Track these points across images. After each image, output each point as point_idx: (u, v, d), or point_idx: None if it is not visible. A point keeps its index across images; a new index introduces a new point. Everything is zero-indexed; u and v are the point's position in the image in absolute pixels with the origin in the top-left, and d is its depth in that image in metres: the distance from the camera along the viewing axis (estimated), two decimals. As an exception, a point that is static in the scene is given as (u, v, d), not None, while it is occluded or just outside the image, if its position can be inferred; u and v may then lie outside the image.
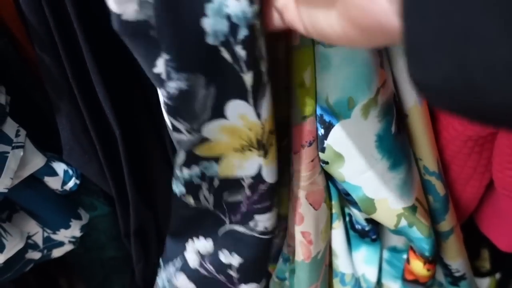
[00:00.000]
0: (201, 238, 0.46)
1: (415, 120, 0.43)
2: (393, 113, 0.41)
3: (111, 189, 0.53)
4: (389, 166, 0.42)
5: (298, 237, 0.48)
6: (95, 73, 0.42)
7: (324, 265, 0.55)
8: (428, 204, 0.48)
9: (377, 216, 0.46)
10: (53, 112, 0.47)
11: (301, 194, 0.45)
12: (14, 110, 0.46)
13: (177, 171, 0.39)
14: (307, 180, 0.44)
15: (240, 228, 0.44)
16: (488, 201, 0.57)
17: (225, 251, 0.46)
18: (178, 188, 0.41)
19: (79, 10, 0.39)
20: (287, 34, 0.37)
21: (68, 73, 0.43)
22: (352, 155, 0.41)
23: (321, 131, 0.40)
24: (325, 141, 0.40)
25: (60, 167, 0.51)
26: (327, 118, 0.39)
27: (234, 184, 0.40)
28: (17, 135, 0.45)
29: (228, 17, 0.28)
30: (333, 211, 0.50)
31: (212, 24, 0.29)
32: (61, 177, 0.51)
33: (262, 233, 0.44)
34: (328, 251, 0.55)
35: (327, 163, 0.43)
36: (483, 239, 0.60)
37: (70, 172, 0.51)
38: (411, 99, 0.42)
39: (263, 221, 0.43)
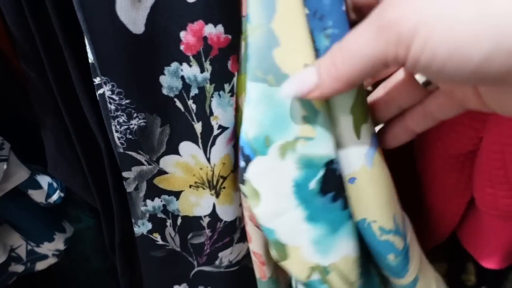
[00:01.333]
0: (176, 286, 0.51)
1: (363, 183, 0.40)
2: (318, 173, 0.38)
3: (96, 202, 0.53)
4: (305, 217, 0.39)
5: (252, 257, 0.48)
6: (81, 88, 0.42)
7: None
8: (388, 263, 0.45)
9: (289, 265, 0.42)
10: (38, 125, 0.48)
11: (245, 214, 0.44)
12: (-1, 122, 0.46)
13: (141, 208, 0.44)
14: (247, 201, 0.43)
15: (207, 268, 0.49)
16: (470, 218, 0.57)
17: (201, 286, 0.51)
18: (144, 226, 0.45)
19: (64, 25, 0.39)
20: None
21: (54, 87, 0.43)
22: (268, 195, 0.38)
23: (243, 163, 0.39)
24: (245, 174, 0.39)
25: (44, 180, 0.51)
26: (246, 151, 0.37)
27: (195, 224, 0.45)
28: (1, 148, 0.45)
29: (182, 78, 0.36)
30: None
31: (168, 81, 0.36)
32: (45, 190, 0.51)
33: (227, 266, 0.49)
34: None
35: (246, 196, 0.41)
36: (468, 253, 0.60)
37: (55, 185, 0.51)
38: (357, 161, 0.39)
39: (226, 256, 0.48)
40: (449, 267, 0.73)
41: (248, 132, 0.37)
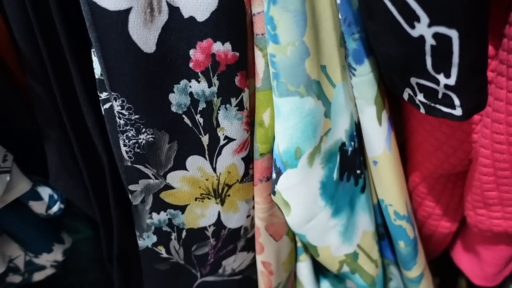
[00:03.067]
0: None
1: (385, 166, 0.44)
2: (336, 160, 0.43)
3: (96, 214, 0.53)
4: (331, 213, 0.44)
5: (259, 267, 0.50)
6: (86, 102, 0.43)
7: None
8: (399, 251, 0.49)
9: (321, 260, 0.48)
10: (42, 137, 0.48)
11: (260, 224, 0.46)
12: (3, 133, 0.46)
13: (147, 221, 0.44)
14: (265, 212, 0.46)
15: (210, 278, 0.50)
16: (462, 237, 0.58)
17: None
18: (149, 238, 0.46)
19: (72, 41, 0.40)
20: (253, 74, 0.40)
21: (59, 102, 0.44)
22: (297, 204, 0.42)
23: (274, 175, 0.42)
24: (276, 186, 0.42)
25: (45, 191, 0.51)
26: (278, 163, 0.41)
27: (200, 235, 0.46)
28: (4, 160, 0.46)
29: (191, 94, 0.37)
30: (299, 244, 0.51)
31: (176, 99, 0.37)
32: (46, 202, 0.51)
33: (230, 275, 0.50)
34: (293, 281, 0.55)
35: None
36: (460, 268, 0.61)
37: (55, 196, 0.52)
38: (379, 146, 0.43)
39: (229, 264, 0.49)
40: (440, 281, 0.74)
41: (279, 146, 0.40)
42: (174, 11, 0.34)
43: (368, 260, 0.48)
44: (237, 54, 0.37)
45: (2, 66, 0.46)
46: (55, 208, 0.52)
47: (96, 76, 0.40)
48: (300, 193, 0.42)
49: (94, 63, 0.39)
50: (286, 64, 0.36)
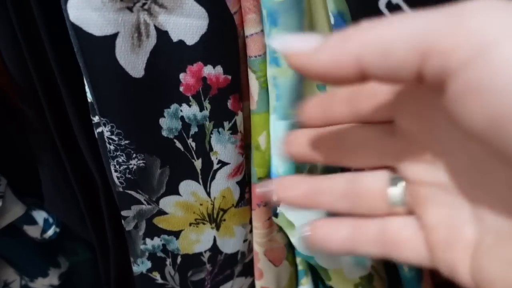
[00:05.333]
0: None
1: None
2: None
3: (92, 237, 0.52)
4: None
5: None
6: (78, 126, 0.43)
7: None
8: (403, 274, 0.47)
9: (333, 284, 0.46)
10: (35, 161, 0.48)
11: (259, 249, 0.45)
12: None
13: (141, 246, 0.44)
14: (264, 237, 0.45)
15: None
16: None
17: None
18: (143, 264, 0.45)
19: (62, 65, 0.40)
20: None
21: (51, 125, 0.43)
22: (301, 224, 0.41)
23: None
24: (278, 207, 0.41)
25: (40, 215, 0.50)
26: None
27: (195, 261, 0.45)
28: (-3, 185, 0.45)
29: (182, 118, 0.37)
30: (300, 267, 0.50)
31: (167, 123, 0.37)
32: (41, 226, 0.51)
33: None
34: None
35: (281, 228, 0.43)
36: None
37: (50, 220, 0.51)
38: None
39: None
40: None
41: (279, 167, 0.39)
42: (162, 35, 0.33)
43: (380, 280, 0.47)
44: (229, 77, 0.36)
45: (-5, 90, 0.45)
46: (50, 232, 0.51)
47: (89, 100, 0.39)
48: (302, 214, 0.40)
49: (86, 87, 0.39)
50: (287, 87, 0.35)
